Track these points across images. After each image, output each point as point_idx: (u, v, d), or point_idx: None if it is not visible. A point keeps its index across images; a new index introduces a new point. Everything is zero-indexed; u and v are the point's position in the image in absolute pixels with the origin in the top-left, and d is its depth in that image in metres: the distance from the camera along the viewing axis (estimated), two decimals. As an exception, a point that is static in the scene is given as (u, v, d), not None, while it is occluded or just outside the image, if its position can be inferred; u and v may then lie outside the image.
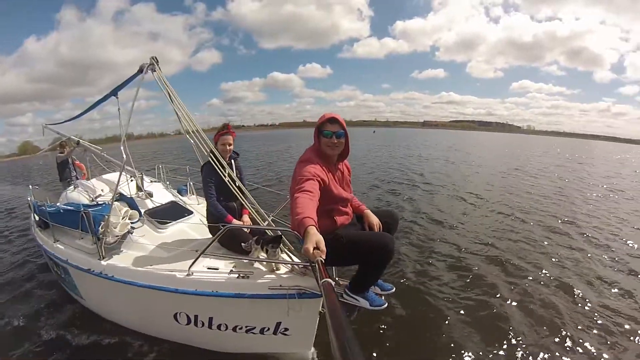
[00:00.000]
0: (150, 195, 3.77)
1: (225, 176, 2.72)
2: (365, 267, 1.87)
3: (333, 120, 1.93)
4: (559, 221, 6.19)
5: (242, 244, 2.41)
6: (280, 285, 2.02)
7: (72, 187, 4.04)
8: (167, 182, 4.80)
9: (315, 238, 1.25)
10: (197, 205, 3.94)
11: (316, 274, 1.09)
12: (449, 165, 15.02)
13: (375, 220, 2.12)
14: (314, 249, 1.21)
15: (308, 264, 2.03)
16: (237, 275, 2.16)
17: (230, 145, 2.83)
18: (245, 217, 2.94)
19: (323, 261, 1.12)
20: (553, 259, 4.44)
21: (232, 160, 2.90)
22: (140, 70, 2.77)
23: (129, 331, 2.78)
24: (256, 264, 2.33)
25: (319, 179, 1.79)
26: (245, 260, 2.38)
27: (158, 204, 3.64)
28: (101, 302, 2.97)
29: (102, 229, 2.53)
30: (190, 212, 3.45)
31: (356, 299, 1.97)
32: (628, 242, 5.20)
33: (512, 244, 4.96)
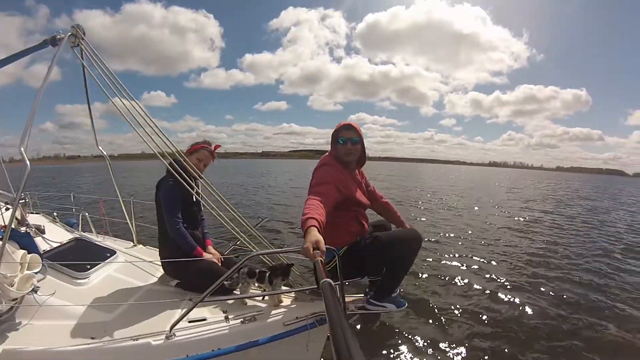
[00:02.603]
0: (41, 231, 2.50)
1: (194, 195, 2.14)
2: (399, 266, 1.87)
3: (348, 126, 1.95)
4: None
5: (226, 282, 1.86)
6: (297, 317, 1.71)
7: None
8: (55, 214, 3.36)
9: (315, 238, 1.24)
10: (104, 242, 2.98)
11: (317, 274, 1.03)
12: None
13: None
14: (314, 249, 1.19)
15: (316, 287, 1.71)
16: (240, 321, 1.66)
17: (206, 165, 2.29)
18: (212, 249, 2.35)
19: (323, 261, 1.10)
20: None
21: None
22: (51, 43, 1.93)
23: None
24: (250, 302, 1.89)
25: (337, 183, 1.80)
26: (230, 301, 1.89)
27: (57, 244, 2.49)
28: None
29: (-15, 289, 1.44)
30: (113, 252, 2.54)
31: (383, 306, 1.95)
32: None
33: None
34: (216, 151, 2.29)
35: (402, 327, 3.01)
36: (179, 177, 2.00)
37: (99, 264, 2.25)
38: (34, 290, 1.68)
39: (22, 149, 1.60)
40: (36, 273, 1.79)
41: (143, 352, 1.44)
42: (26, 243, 1.87)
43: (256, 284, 1.96)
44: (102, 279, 2.16)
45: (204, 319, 1.67)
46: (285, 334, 1.66)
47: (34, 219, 2.96)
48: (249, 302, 1.90)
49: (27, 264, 1.71)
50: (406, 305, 2.02)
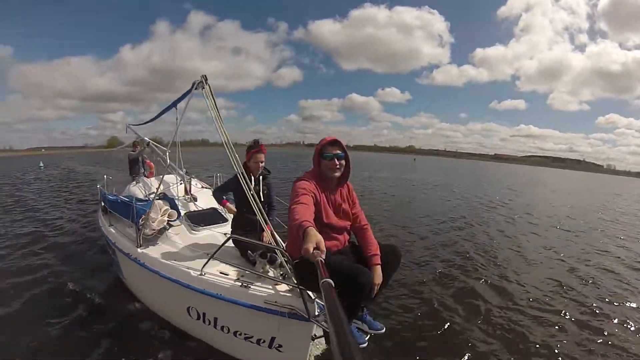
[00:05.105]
0: (194, 199, 4.16)
1: (250, 191, 2.73)
2: (346, 298, 1.74)
3: (334, 142, 1.99)
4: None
5: (249, 251, 2.54)
6: (275, 302, 2.09)
7: (135, 182, 4.66)
8: None
9: (316, 238, 1.23)
10: None
11: (320, 272, 1.00)
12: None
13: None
14: (314, 249, 1.18)
15: (299, 286, 2.04)
16: (240, 284, 2.26)
17: (262, 162, 2.96)
18: (267, 232, 3.06)
19: (323, 261, 1.07)
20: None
21: (261, 177, 3.02)
22: (193, 86, 3.13)
23: (153, 315, 3.07)
24: (262, 277, 2.38)
25: (312, 195, 1.85)
26: (248, 272, 2.40)
27: (200, 209, 3.97)
28: (135, 284, 3.37)
29: (142, 221, 2.92)
30: (225, 220, 3.62)
31: None
32: None
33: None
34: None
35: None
36: (238, 174, 2.69)
37: (210, 225, 3.48)
38: (166, 228, 3.11)
39: (167, 154, 2.99)
40: (173, 220, 3.24)
41: (185, 276, 2.44)
42: (172, 203, 3.38)
43: (268, 266, 2.39)
44: (206, 234, 3.36)
45: (228, 274, 2.40)
46: (260, 308, 2.09)
47: (202, 192, 4.57)
48: (262, 278, 2.32)
49: (167, 214, 3.16)
50: (363, 345, 1.99)
